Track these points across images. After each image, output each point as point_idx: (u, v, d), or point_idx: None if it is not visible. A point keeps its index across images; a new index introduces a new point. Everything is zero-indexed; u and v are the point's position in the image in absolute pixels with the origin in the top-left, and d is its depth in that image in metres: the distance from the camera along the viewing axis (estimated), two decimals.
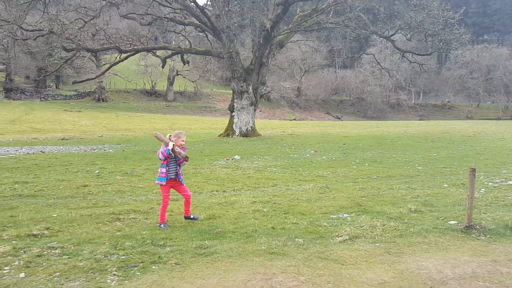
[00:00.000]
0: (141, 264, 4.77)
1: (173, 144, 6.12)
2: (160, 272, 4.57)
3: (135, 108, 55.81)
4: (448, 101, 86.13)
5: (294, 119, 60.78)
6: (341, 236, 5.80)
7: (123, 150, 16.81)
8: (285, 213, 7.12)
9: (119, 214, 6.84)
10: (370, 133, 29.53)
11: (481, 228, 6.09)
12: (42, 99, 57.09)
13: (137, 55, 30.95)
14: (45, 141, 21.68)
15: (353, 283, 4.33)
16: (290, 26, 25.11)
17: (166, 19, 24.05)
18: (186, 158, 6.29)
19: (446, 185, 9.91)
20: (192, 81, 63.27)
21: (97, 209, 7.17)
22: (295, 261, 4.92)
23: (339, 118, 67.44)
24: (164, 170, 6.22)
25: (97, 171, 11.15)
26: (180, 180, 6.42)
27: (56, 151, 16.72)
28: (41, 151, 16.43)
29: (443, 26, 25.40)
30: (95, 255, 4.91)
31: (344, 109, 76.42)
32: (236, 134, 23.21)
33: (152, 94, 64.21)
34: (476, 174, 11.97)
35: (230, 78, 24.94)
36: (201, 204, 7.76)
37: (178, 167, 6.37)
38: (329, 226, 6.37)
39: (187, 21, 24.55)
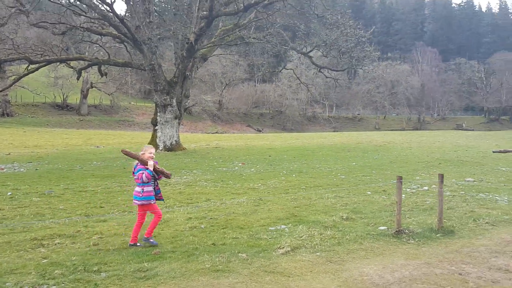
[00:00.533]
0: None
1: (153, 164, 5.90)
2: None
3: (45, 123, 51.73)
4: (358, 114, 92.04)
5: (217, 132, 60.73)
6: (283, 248, 5.83)
7: (36, 169, 15.42)
8: (223, 228, 7.00)
9: (42, 239, 6.21)
10: (291, 145, 30.45)
11: (409, 232, 6.51)
12: None
13: (47, 66, 28.83)
14: None
15: None
16: (213, 40, 25.19)
17: (82, 29, 22.77)
18: (168, 176, 6.12)
19: (369, 193, 10.49)
20: (108, 94, 60.40)
21: (16, 235, 6.44)
22: (242, 277, 4.83)
23: (259, 131, 68.73)
24: (151, 188, 5.97)
25: (9, 193, 10.06)
26: (158, 195, 6.17)
27: None
28: None
29: (355, 44, 27.20)
30: (21, 287, 4.38)
31: (265, 122, 78.13)
32: (160, 148, 22.51)
33: (63, 107, 60.00)
34: (393, 181, 12.83)
35: (153, 91, 24.24)
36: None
37: (156, 182, 6.14)
38: (269, 238, 6.39)
39: (105, 31, 23.49)
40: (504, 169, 15.39)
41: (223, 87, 73.10)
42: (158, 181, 6.16)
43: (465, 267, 5.11)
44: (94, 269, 5.03)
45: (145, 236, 6.08)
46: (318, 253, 5.68)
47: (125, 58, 29.94)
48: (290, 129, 74.29)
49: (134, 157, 6.02)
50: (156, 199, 6.12)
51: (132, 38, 21.65)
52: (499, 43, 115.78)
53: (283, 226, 7.09)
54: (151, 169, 5.87)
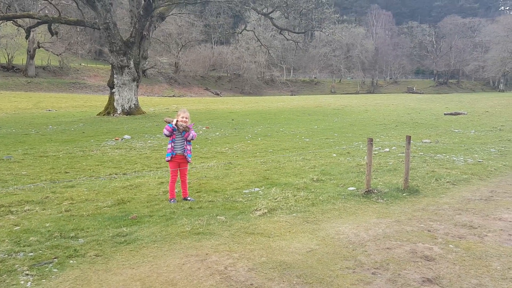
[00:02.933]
0: (55, 260, 4.25)
1: (177, 120, 6.24)
2: (80, 267, 4.14)
3: None
4: (314, 77, 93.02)
5: (174, 96, 59.47)
6: (260, 209, 5.94)
7: None
8: (197, 192, 7.01)
9: (10, 206, 5.96)
10: (252, 108, 30.47)
11: (378, 192, 6.81)
12: None
13: None
14: None
15: (284, 254, 4.48)
16: None
17: None
18: (186, 129, 6.31)
19: (334, 155, 10.80)
20: (57, 55, 56.99)
21: None
22: (224, 239, 4.90)
23: (218, 94, 68.03)
24: (169, 146, 6.33)
25: None
26: (187, 158, 6.41)
27: None
28: None
29: (315, 6, 27.09)
30: None
31: (223, 85, 77.27)
32: (118, 112, 21.79)
33: (9, 69, 56.09)
34: (355, 144, 13.24)
35: (108, 51, 23.13)
36: (103, 189, 7.17)
37: (185, 143, 6.39)
38: (245, 201, 6.47)
39: None
40: (456, 130, 16.27)
41: (179, 49, 70.98)
42: (189, 144, 6.44)
43: (433, 224, 5.45)
44: (71, 235, 4.91)
45: (183, 197, 6.49)
46: (294, 214, 5.83)
47: (75, 16, 28.17)
48: (248, 92, 74.06)
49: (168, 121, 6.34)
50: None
51: None
52: (449, 7, 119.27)
53: (256, 189, 7.19)
54: (173, 123, 6.22)
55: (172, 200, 6.35)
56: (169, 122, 6.34)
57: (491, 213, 5.92)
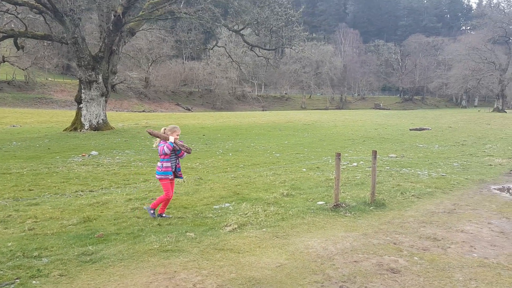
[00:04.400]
0: (17, 280, 4.12)
1: (174, 138, 6.19)
2: (44, 287, 4.01)
3: None
4: (285, 93, 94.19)
5: (144, 111, 58.75)
6: (230, 225, 5.93)
7: None
8: (167, 208, 6.91)
9: None
10: (224, 123, 30.49)
11: (346, 206, 6.93)
12: None
13: None
14: None
15: (254, 269, 4.49)
16: (142, 13, 24.06)
17: None
18: (188, 150, 6.32)
19: (304, 170, 10.93)
20: (23, 69, 55.44)
21: None
22: (193, 256, 4.86)
23: (189, 110, 67.70)
24: (169, 164, 6.21)
25: None
26: (179, 173, 6.41)
27: None
28: None
29: (285, 23, 27.61)
30: None
31: (194, 101, 77.02)
32: (86, 127, 21.32)
33: None
34: (324, 158, 13.43)
35: (76, 66, 22.72)
36: (68, 207, 6.98)
37: (177, 160, 6.38)
38: (215, 217, 6.45)
39: (21, 0, 21.35)
40: (421, 145, 16.79)
41: (149, 64, 70.44)
42: (179, 160, 6.42)
43: (398, 236, 5.59)
44: (34, 254, 4.75)
45: (159, 213, 6.36)
46: (264, 229, 5.85)
47: (42, 30, 27.57)
48: (219, 108, 74.10)
49: (157, 135, 6.23)
50: (175, 177, 6.37)
51: (52, 8, 19.96)
52: (414, 26, 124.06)
53: (227, 204, 7.18)
54: (172, 141, 6.11)
55: (152, 211, 6.34)
56: (156, 135, 6.24)
57: (453, 225, 6.13)
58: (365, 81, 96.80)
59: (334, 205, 6.88)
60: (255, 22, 25.96)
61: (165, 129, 6.36)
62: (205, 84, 79.24)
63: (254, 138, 19.82)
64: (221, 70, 75.56)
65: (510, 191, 8.72)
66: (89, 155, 13.18)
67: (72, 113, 28.22)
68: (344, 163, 11.97)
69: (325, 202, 7.24)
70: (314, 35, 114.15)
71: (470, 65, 58.77)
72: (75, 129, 21.60)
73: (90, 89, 21.61)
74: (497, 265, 4.63)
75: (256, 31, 26.38)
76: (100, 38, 23.48)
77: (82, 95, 21.76)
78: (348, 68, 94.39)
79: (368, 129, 25.71)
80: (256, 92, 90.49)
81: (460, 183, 9.23)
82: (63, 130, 22.06)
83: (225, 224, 5.98)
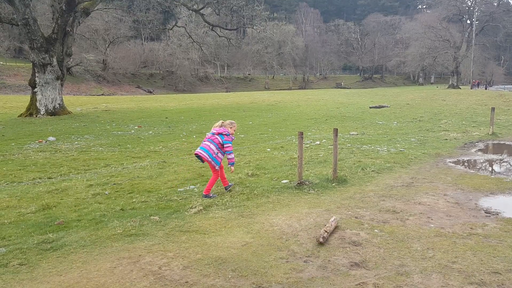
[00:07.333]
0: None
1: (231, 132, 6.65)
2: (3, 277, 3.90)
3: None
4: (248, 74, 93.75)
5: (103, 94, 56.89)
6: (195, 207, 5.91)
7: None
8: (129, 193, 6.81)
9: None
10: (187, 106, 30.05)
11: (309, 183, 7.05)
12: None
13: None
14: None
15: (219, 249, 4.51)
16: None
17: None
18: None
19: (269, 150, 11.01)
20: None
21: None
22: (158, 239, 4.82)
23: (151, 92, 66.14)
24: (233, 155, 6.61)
25: None
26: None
27: None
28: None
29: (246, 2, 27.29)
30: None
31: (155, 83, 75.24)
32: (42, 113, 20.42)
33: None
34: (288, 138, 13.57)
35: (28, 48, 21.58)
36: (26, 195, 6.73)
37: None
38: (180, 199, 6.40)
39: None
40: (380, 122, 17.25)
41: (106, 45, 67.89)
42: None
43: (359, 211, 5.77)
44: None
45: (204, 193, 6.46)
46: (229, 209, 5.88)
47: None
48: (182, 89, 72.84)
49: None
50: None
51: None
52: (372, 5, 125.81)
53: (192, 187, 7.14)
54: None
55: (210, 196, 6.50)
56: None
57: (412, 198, 6.38)
58: (326, 60, 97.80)
59: (298, 183, 6.99)
60: (215, 1, 25.49)
61: (223, 122, 6.73)
62: (166, 65, 77.39)
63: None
64: (182, 51, 73.96)
65: (465, 163, 9.16)
66: (46, 141, 12.67)
67: (27, 98, 26.96)
68: (307, 142, 12.13)
69: (289, 181, 7.34)
70: (275, 14, 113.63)
71: (426, 43, 60.41)
72: (31, 114, 20.65)
73: (44, 72, 20.64)
74: (453, 234, 4.88)
75: (217, 11, 25.92)
76: (52, 19, 22.32)
77: (36, 79, 20.76)
78: (310, 48, 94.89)
79: (330, 108, 26.10)
80: (219, 73, 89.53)
81: (417, 157, 9.59)
82: (18, 116, 21.05)
83: (190, 206, 5.96)
